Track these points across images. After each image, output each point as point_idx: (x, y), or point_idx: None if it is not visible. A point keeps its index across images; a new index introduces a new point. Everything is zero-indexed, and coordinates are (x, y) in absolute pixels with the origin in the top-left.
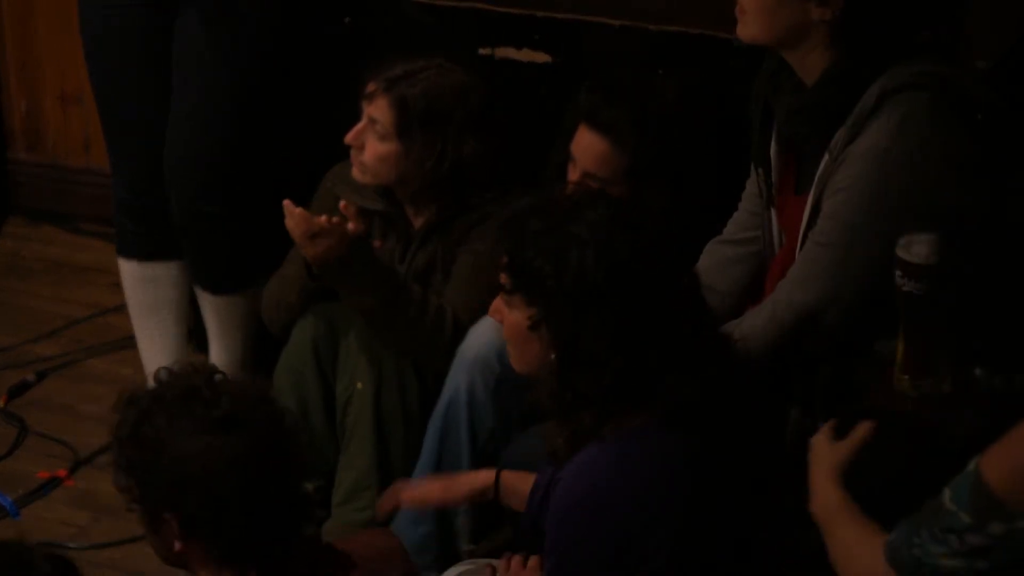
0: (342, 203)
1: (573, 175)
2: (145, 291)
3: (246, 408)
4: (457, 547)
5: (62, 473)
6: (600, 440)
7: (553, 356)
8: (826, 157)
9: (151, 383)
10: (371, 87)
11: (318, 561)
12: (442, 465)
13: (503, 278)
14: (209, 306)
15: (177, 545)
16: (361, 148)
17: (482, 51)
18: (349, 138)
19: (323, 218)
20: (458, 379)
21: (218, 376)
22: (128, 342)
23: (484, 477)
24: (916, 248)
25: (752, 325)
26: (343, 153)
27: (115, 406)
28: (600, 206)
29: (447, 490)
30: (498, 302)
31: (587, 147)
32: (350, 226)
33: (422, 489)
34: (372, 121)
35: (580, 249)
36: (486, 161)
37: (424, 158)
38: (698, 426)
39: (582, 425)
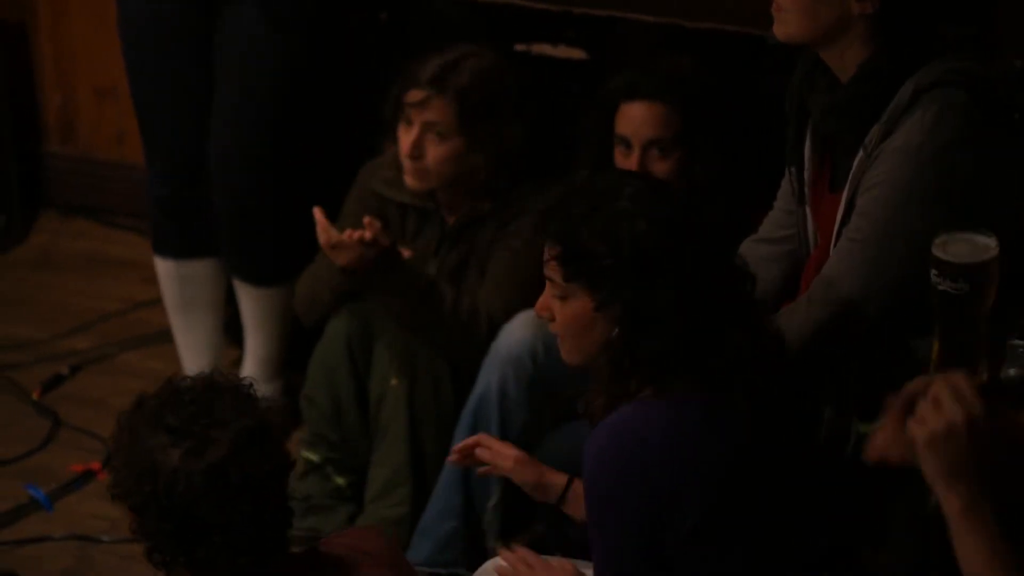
0: (366, 219)
1: (630, 159)
2: (182, 289)
3: (202, 423)
4: (485, 545)
5: (95, 466)
6: (635, 402)
7: (616, 331)
8: (860, 154)
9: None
10: (417, 95)
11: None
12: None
13: (553, 270)
14: (248, 298)
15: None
16: (420, 157)
17: (518, 47)
18: (406, 151)
19: (347, 232)
20: (490, 376)
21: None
22: (160, 336)
23: (557, 479)
24: (952, 247)
25: (787, 323)
26: (380, 148)
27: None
28: (635, 179)
29: (519, 465)
30: (546, 298)
31: (640, 117)
32: (367, 235)
33: (497, 453)
34: (429, 125)
35: (630, 222)
36: (524, 148)
37: (487, 144)
38: (741, 397)
39: (626, 390)
